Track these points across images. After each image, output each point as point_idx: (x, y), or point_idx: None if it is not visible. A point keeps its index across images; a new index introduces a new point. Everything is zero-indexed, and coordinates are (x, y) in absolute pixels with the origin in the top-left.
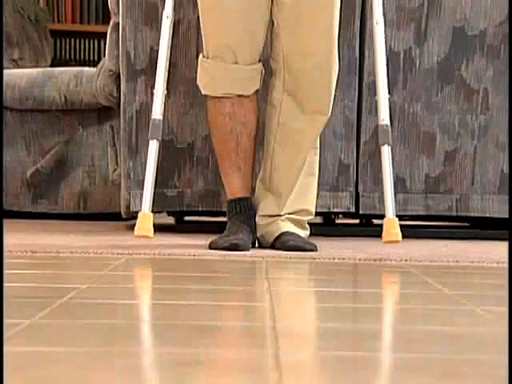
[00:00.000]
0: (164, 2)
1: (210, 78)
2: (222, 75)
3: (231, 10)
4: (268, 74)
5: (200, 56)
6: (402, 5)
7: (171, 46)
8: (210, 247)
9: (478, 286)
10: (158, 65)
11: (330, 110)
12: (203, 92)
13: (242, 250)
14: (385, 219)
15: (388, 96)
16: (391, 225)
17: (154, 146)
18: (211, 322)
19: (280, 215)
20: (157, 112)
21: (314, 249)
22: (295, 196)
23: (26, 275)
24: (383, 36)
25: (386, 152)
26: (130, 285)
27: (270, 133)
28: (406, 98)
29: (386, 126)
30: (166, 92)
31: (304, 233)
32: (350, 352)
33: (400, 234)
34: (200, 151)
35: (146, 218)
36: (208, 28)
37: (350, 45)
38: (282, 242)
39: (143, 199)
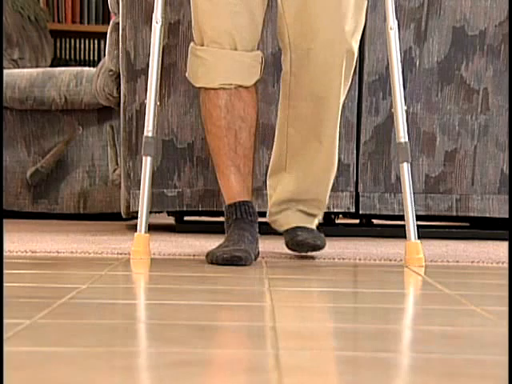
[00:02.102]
0: (164, 2)
1: (205, 67)
2: (220, 63)
3: None
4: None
5: (191, 44)
6: (401, 5)
7: (171, 46)
8: (208, 259)
9: (477, 286)
10: (150, 75)
11: (343, 94)
12: (197, 85)
13: (244, 264)
14: (406, 243)
15: (405, 108)
16: (414, 249)
17: (147, 163)
18: (211, 321)
19: (295, 199)
20: (149, 128)
21: (323, 244)
22: (313, 185)
23: (25, 275)
24: (398, 42)
25: (405, 170)
26: (130, 285)
27: (282, 113)
28: (406, 98)
29: (405, 143)
30: (158, 103)
31: (315, 222)
32: (350, 352)
33: (423, 259)
34: (200, 151)
35: (142, 240)
36: (202, 12)
37: None
38: (290, 238)
39: (139, 219)
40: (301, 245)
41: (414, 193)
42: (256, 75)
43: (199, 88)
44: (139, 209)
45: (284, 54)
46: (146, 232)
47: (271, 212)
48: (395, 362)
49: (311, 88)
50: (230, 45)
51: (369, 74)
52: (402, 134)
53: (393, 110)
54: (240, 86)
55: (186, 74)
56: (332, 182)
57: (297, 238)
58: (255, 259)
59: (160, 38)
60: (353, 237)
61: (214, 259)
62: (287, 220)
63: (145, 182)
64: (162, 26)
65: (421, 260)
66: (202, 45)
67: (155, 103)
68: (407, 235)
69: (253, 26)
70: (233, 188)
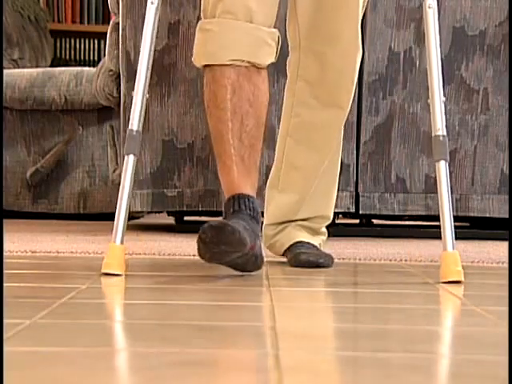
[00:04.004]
0: (164, 3)
1: (216, 40)
2: (232, 35)
3: None
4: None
5: (199, 23)
6: (401, 5)
7: (171, 46)
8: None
9: (478, 286)
10: (140, 62)
11: (350, 104)
12: (202, 62)
13: (232, 234)
14: (443, 253)
15: (444, 99)
16: (452, 261)
17: (130, 163)
18: (211, 321)
19: (292, 221)
20: (135, 122)
21: (328, 263)
22: (313, 201)
23: (26, 275)
24: (437, 22)
25: (443, 170)
26: (130, 285)
27: (284, 121)
28: (406, 98)
29: (443, 137)
30: (147, 96)
31: (320, 239)
32: (349, 352)
33: (462, 273)
34: (200, 151)
35: (116, 252)
36: None
37: None
38: (293, 256)
39: (114, 227)
40: (303, 262)
41: (413, 193)
42: (271, 56)
43: (204, 67)
44: (116, 215)
45: (292, 54)
46: (121, 242)
47: (267, 235)
48: (395, 362)
49: (319, 95)
50: (246, 16)
51: (369, 74)
52: (439, 125)
53: (429, 100)
54: (252, 66)
55: (192, 59)
56: (335, 195)
57: (299, 255)
58: (261, 263)
59: (154, 21)
60: (353, 237)
61: (200, 232)
62: (289, 236)
63: (124, 185)
64: (157, 7)
65: (460, 273)
66: (214, 17)
67: (143, 94)
68: (443, 245)
69: (272, 2)
70: (234, 180)
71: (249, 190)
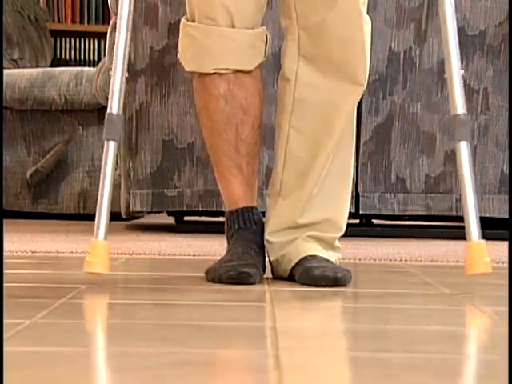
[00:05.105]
0: (164, 3)
1: (196, 47)
2: (213, 43)
3: None
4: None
5: (182, 20)
6: (402, 5)
7: (171, 46)
8: (209, 277)
9: (478, 286)
10: (117, 37)
11: (366, 78)
12: (188, 68)
13: (253, 282)
14: (468, 244)
15: (462, 72)
16: (479, 252)
17: (110, 149)
18: (211, 321)
19: (299, 225)
20: (114, 105)
21: (347, 279)
22: (320, 201)
23: (26, 275)
24: None
25: (464, 151)
26: (130, 285)
27: (282, 114)
28: (405, 98)
29: (465, 115)
30: (127, 74)
31: (335, 256)
32: (350, 352)
33: (490, 263)
34: (200, 151)
35: (98, 249)
36: None
37: None
38: (303, 271)
39: (96, 221)
40: (317, 278)
41: (413, 193)
42: (258, 57)
43: (191, 73)
44: (97, 208)
45: (289, 35)
46: (105, 238)
47: (274, 245)
48: (395, 362)
49: (327, 71)
50: (226, 21)
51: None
52: (458, 102)
53: (446, 75)
54: (239, 71)
55: (178, 56)
56: (347, 202)
57: (311, 270)
58: (263, 270)
59: None
60: (353, 237)
61: (216, 277)
62: (298, 249)
63: (105, 175)
64: None
65: (488, 264)
66: (194, 21)
67: (122, 74)
68: (468, 235)
69: (255, 1)
70: (234, 192)
71: (250, 200)
